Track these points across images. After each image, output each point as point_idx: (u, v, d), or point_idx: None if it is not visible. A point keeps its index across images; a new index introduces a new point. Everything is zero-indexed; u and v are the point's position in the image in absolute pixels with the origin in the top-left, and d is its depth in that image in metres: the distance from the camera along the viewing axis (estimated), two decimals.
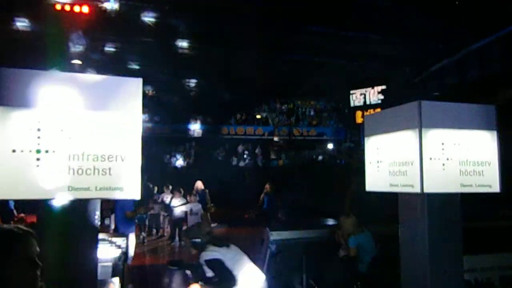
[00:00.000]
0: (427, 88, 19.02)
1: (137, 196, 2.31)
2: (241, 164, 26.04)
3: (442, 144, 2.99)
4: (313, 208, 13.21)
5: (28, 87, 2.11)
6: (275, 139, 21.95)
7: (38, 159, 2.09)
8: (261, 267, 5.63)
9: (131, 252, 5.94)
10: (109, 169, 2.23)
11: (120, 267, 4.56)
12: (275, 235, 5.42)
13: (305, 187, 15.38)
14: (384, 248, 4.78)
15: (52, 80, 2.19)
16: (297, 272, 5.49)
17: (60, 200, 2.18)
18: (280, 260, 5.44)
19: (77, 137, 2.17)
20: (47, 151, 2.11)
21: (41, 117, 2.11)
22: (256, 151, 24.31)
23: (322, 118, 25.42)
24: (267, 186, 9.17)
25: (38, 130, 2.08)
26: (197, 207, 10.34)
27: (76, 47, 12.57)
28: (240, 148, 25.22)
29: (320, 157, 22.94)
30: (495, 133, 3.09)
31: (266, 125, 24.82)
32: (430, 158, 2.95)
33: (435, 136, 2.98)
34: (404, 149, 3.11)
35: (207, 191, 10.98)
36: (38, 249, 1.42)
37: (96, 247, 2.33)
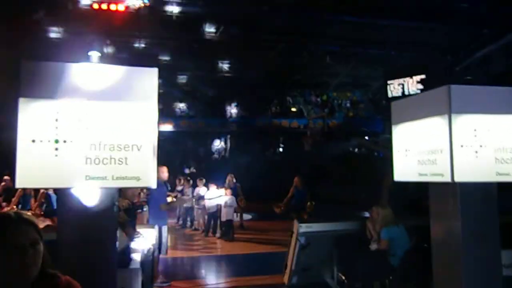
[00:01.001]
0: (470, 76, 18.11)
1: (154, 185, 2.33)
2: (276, 157, 26.01)
3: (475, 130, 2.81)
4: (348, 200, 13.00)
5: (47, 79, 2.18)
6: (310, 131, 21.72)
7: (56, 149, 2.15)
8: (290, 259, 5.59)
9: (165, 244, 6.04)
10: (126, 158, 2.26)
11: (150, 259, 4.65)
12: (304, 228, 5.34)
13: (341, 179, 15.16)
14: (419, 241, 4.59)
15: (69, 72, 2.24)
16: (327, 265, 5.40)
17: (77, 189, 2.23)
18: (310, 253, 5.37)
19: (94, 127, 2.22)
20: (65, 141, 2.17)
21: (59, 108, 2.18)
22: (292, 143, 24.19)
23: (359, 110, 24.91)
24: (296, 179, 9.07)
25: (56, 120, 2.15)
26: (232, 200, 10.43)
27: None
28: (274, 141, 25.22)
29: (356, 149, 22.52)
30: None
31: (301, 117, 24.63)
32: (462, 146, 2.79)
33: (466, 122, 2.81)
34: (434, 136, 2.96)
35: (238, 184, 11.04)
36: (37, 237, 1.40)
37: (114, 236, 2.38)
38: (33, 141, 2.13)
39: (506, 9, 15.61)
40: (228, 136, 25.44)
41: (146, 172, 2.30)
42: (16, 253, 1.34)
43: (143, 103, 2.33)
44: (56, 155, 2.15)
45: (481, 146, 2.79)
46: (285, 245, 5.87)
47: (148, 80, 2.36)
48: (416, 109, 3.25)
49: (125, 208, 4.24)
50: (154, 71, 2.38)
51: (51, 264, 1.49)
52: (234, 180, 11.13)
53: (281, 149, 26.28)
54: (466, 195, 2.82)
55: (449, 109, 2.81)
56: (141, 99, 2.32)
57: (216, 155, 26.39)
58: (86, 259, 2.22)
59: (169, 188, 10.69)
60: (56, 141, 2.15)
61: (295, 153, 22.25)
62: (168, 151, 25.28)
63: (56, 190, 2.37)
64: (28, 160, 2.12)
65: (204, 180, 11.57)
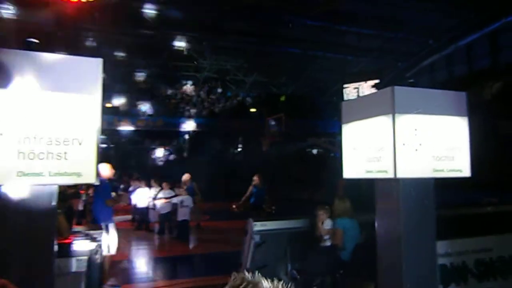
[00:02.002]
0: (418, 82, 19.08)
1: (93, 181, 2.24)
2: (235, 157, 26.02)
3: (415, 129, 2.95)
4: (305, 199, 13.22)
5: None
6: (267, 132, 21.89)
7: None
8: (245, 258, 5.60)
9: (114, 244, 5.87)
10: (65, 153, 2.15)
11: (97, 261, 4.48)
12: (259, 226, 5.36)
13: (298, 179, 15.39)
14: (369, 236, 4.75)
15: (5, 58, 2.08)
16: (282, 262, 5.45)
17: (8, 186, 2.09)
18: (265, 251, 5.40)
19: (30, 119, 2.08)
20: (1, 134, 2.01)
21: None
22: (250, 144, 24.27)
23: (316, 112, 25.39)
24: (255, 178, 9.09)
25: None
26: (188, 199, 10.28)
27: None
28: (233, 141, 25.20)
29: (314, 150, 22.94)
30: (466, 118, 3.07)
31: (260, 118, 24.76)
32: (403, 144, 2.91)
33: (408, 122, 2.94)
34: (379, 135, 3.07)
35: (194, 184, 10.92)
36: None
37: (52, 239, 2.23)
38: None
39: (449, 22, 16.69)
40: (187, 136, 25.15)
41: (87, 167, 2.20)
42: None
43: (85, 95, 2.22)
44: None
45: (420, 144, 2.93)
46: (241, 244, 5.87)
47: (91, 70, 2.26)
48: (364, 109, 3.35)
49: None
50: (98, 62, 2.28)
51: None
52: (190, 180, 10.99)
53: (239, 149, 26.31)
54: (407, 190, 2.96)
55: (393, 109, 2.93)
56: (83, 91, 2.22)
57: (173, 155, 26.03)
58: (21, 264, 2.08)
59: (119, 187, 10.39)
60: None
61: (253, 153, 22.36)
62: (125, 151, 24.68)
63: None
64: None
65: (158, 180, 11.37)
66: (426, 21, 16.65)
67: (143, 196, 11.49)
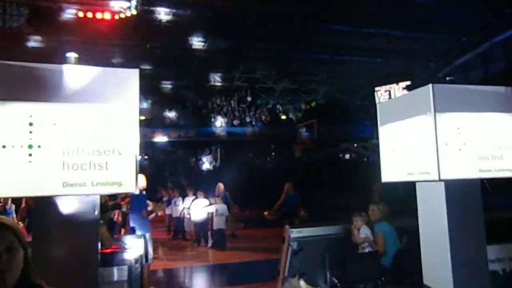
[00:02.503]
0: (452, 82, 18.55)
1: (135, 190, 2.27)
2: (267, 165, 25.97)
3: (458, 128, 2.82)
4: (340, 206, 12.99)
5: (21, 80, 2.09)
6: (299, 138, 21.76)
7: (30, 155, 2.06)
8: (283, 265, 5.54)
9: (150, 252, 5.95)
10: (106, 163, 2.19)
11: (138, 270, 4.55)
12: (295, 233, 5.29)
13: (332, 185, 15.17)
14: (410, 242, 4.60)
15: (46, 73, 2.16)
16: (320, 270, 5.35)
17: (55, 197, 2.14)
18: (303, 258, 5.32)
19: (72, 131, 2.13)
20: (39, 146, 2.07)
21: (33, 111, 2.08)
22: (282, 151, 24.19)
23: (347, 116, 25.04)
24: (286, 185, 9.05)
25: (30, 124, 2.06)
26: (223, 208, 10.31)
27: None
28: (266, 149, 25.19)
29: (347, 155, 22.58)
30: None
31: (291, 124, 24.67)
32: (446, 144, 2.79)
33: (450, 120, 2.82)
34: (419, 135, 2.96)
35: (227, 193, 10.95)
36: (14, 241, 1.32)
37: (96, 246, 2.28)
38: (4, 146, 2.03)
39: (482, 20, 16.12)
40: (219, 145, 25.38)
41: (127, 177, 2.24)
42: None
43: (123, 105, 2.26)
44: (30, 161, 2.05)
45: (464, 144, 2.80)
46: (278, 252, 5.82)
47: (128, 81, 2.30)
48: (401, 109, 3.25)
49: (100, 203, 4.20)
50: (135, 72, 2.33)
51: (37, 273, 1.40)
52: (223, 189, 11.05)
53: (272, 157, 26.28)
54: (452, 192, 2.83)
55: (433, 108, 2.82)
56: (121, 102, 2.26)
57: (207, 165, 26.27)
58: (66, 273, 2.12)
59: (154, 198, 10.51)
60: (30, 146, 2.05)
61: (286, 160, 22.26)
62: (159, 162, 25.16)
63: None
64: None
65: (193, 189, 11.47)
66: (457, 20, 16.17)
67: (178, 206, 11.62)
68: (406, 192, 3.46)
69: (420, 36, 17.84)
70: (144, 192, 6.14)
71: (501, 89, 3.03)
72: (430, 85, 2.88)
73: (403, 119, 3.17)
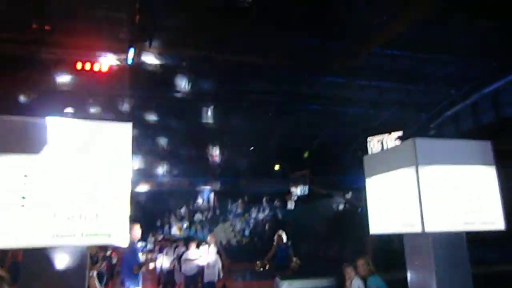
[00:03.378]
0: (443, 132, 18.94)
1: (125, 243, 2.29)
2: (260, 216, 25.73)
3: (441, 181, 2.93)
4: (333, 257, 12.78)
5: (16, 133, 2.17)
6: (292, 189, 21.74)
7: (22, 206, 2.10)
8: None
9: None
10: (96, 214, 2.24)
11: None
12: (286, 285, 5.24)
13: (324, 236, 15.01)
14: None
15: (41, 126, 2.24)
16: None
17: (44, 248, 2.16)
18: None
19: (64, 182, 2.20)
20: (32, 197, 2.12)
21: (28, 163, 2.15)
22: (275, 202, 24.08)
23: (340, 167, 25.20)
24: (277, 236, 8.97)
25: (25, 176, 2.12)
26: (214, 260, 10.11)
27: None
28: (258, 200, 25.06)
29: (340, 206, 22.49)
30: (493, 168, 3.02)
31: (284, 175, 24.71)
32: (429, 196, 2.88)
33: (432, 173, 2.92)
34: (403, 187, 3.05)
35: (219, 244, 10.80)
36: None
37: None
38: None
39: (470, 72, 16.85)
40: (212, 195, 25.23)
41: (118, 228, 2.27)
42: None
43: (116, 157, 2.34)
44: (22, 212, 2.10)
45: (447, 196, 2.89)
46: None
47: (122, 134, 2.40)
48: (386, 161, 3.37)
49: (91, 255, 4.15)
50: (128, 126, 2.43)
51: None
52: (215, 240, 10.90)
53: (264, 207, 26.08)
54: (438, 244, 2.87)
55: (416, 161, 2.94)
56: (114, 154, 2.34)
57: (199, 216, 25.97)
58: None
59: (147, 247, 10.38)
60: (23, 198, 2.10)
61: (278, 211, 22.11)
62: (151, 212, 24.83)
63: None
64: None
65: (184, 240, 11.31)
66: (447, 72, 16.84)
67: (168, 257, 11.39)
68: (400, 245, 3.49)
69: (411, 88, 18.44)
70: (137, 243, 6.07)
71: (479, 142, 3.18)
72: (412, 139, 3.02)
73: (388, 171, 3.27)
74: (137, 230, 5.93)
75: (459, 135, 17.82)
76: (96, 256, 4.30)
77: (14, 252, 7.20)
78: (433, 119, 19.91)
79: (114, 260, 9.90)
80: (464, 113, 18.98)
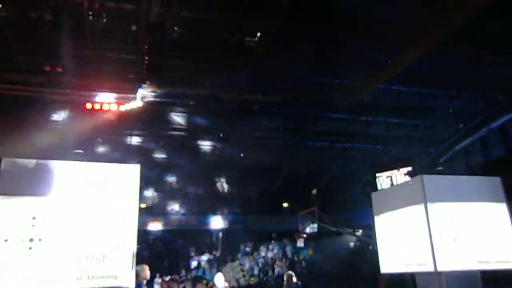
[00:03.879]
0: (452, 167, 18.76)
1: (131, 285, 2.26)
2: (270, 254, 25.18)
3: (450, 218, 2.88)
4: None
5: (26, 175, 2.19)
6: (301, 227, 21.38)
7: (30, 248, 2.10)
8: None
9: None
10: (103, 256, 2.23)
11: None
12: None
13: (335, 275, 14.61)
14: None
15: (49, 168, 2.27)
16: None
17: None
18: None
19: (72, 224, 2.20)
20: (40, 240, 2.12)
21: (37, 205, 2.16)
22: (284, 240, 23.62)
23: (350, 203, 24.85)
24: (286, 276, 8.77)
25: (33, 218, 2.13)
26: None
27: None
28: (267, 238, 24.61)
29: (351, 244, 22.00)
30: (504, 204, 2.97)
31: (293, 212, 24.40)
32: (440, 234, 2.83)
33: (442, 210, 2.89)
34: (413, 225, 3.01)
35: (227, 284, 10.54)
36: None
37: None
38: (6, 240, 2.07)
39: (477, 105, 16.89)
40: (220, 234, 24.86)
41: (124, 270, 2.26)
42: None
43: (123, 200, 2.36)
44: (29, 255, 2.09)
45: (458, 233, 2.84)
46: None
47: (129, 176, 2.42)
48: (394, 199, 3.33)
49: None
50: (136, 168, 2.46)
51: None
52: (226, 285, 10.65)
53: (273, 246, 25.57)
54: (452, 283, 2.78)
55: (424, 198, 2.90)
56: (121, 196, 2.36)
57: (208, 255, 25.48)
58: None
59: None
60: (31, 240, 2.11)
61: (288, 250, 21.67)
62: (157, 250, 24.46)
63: None
64: None
65: (191, 281, 11.06)
66: (453, 107, 16.86)
67: None
68: (414, 284, 3.37)
69: (418, 123, 18.44)
70: (145, 285, 5.91)
71: (490, 179, 3.14)
72: (420, 176, 3.00)
73: (396, 209, 3.23)
74: (146, 271, 5.80)
75: (469, 170, 17.64)
76: None
77: None
78: (442, 154, 19.76)
79: None
80: (473, 148, 18.85)
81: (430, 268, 2.69)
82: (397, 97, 16.12)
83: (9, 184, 2.15)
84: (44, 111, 12.72)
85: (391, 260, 3.21)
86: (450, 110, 16.67)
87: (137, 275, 5.67)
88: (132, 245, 2.25)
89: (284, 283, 8.79)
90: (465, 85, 14.98)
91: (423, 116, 17.64)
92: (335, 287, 13.53)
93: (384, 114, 17.43)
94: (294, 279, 8.77)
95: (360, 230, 20.81)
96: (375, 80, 13.97)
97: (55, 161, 2.30)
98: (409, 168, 19.87)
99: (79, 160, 2.41)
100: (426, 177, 2.89)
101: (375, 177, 20.67)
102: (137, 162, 2.55)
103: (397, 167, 20.35)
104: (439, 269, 2.66)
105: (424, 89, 15.67)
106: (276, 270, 22.51)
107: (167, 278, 13.38)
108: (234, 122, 17.26)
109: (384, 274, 5.77)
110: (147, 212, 22.55)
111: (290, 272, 8.96)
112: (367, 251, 18.24)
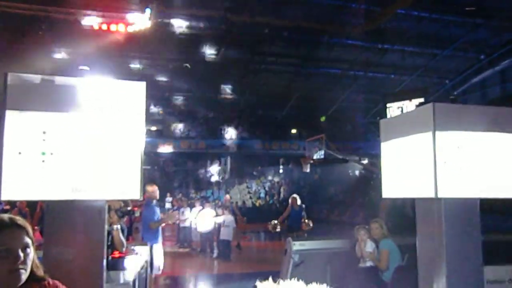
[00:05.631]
0: (467, 100, 18.42)
1: (138, 197, 2.36)
2: (276, 179, 25.98)
3: (458, 147, 2.86)
4: (347, 221, 12.94)
5: (35, 91, 2.22)
6: (308, 153, 21.77)
7: (43, 161, 2.17)
8: (284, 276, 5.57)
9: (159, 263, 6.01)
10: (112, 170, 2.30)
11: (143, 277, 4.64)
12: (297, 245, 5.34)
13: (339, 200, 15.14)
14: (413, 259, 4.61)
15: (59, 85, 2.28)
16: (321, 282, 5.37)
17: (65, 201, 2.25)
18: (304, 270, 5.35)
19: (81, 139, 2.25)
20: (51, 153, 2.19)
21: (46, 120, 2.20)
22: (290, 165, 24.23)
23: (358, 132, 25.01)
24: (291, 199, 9.10)
25: (44, 133, 2.18)
26: (230, 219, 10.38)
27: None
28: (275, 163, 25.24)
29: (356, 171, 22.50)
30: None
31: (301, 139, 24.71)
32: (445, 162, 2.83)
33: (450, 139, 2.86)
34: (419, 153, 3.00)
35: (234, 204, 11.04)
36: (28, 241, 1.43)
37: (102, 252, 2.38)
38: (20, 153, 2.15)
39: (501, 38, 16.06)
40: (228, 157, 25.49)
41: (132, 184, 2.34)
42: (7, 257, 1.36)
43: (130, 116, 2.37)
44: (43, 167, 2.17)
45: (464, 162, 2.84)
46: (278, 263, 5.87)
47: (136, 92, 2.42)
48: (403, 126, 3.30)
49: (117, 209, 4.32)
50: (142, 85, 2.44)
51: (41, 267, 1.52)
52: (231, 200, 11.15)
53: (280, 171, 26.27)
54: (450, 211, 2.85)
55: (433, 126, 2.87)
56: (128, 112, 2.37)
57: (216, 177, 26.39)
58: (73, 274, 2.20)
59: (165, 207, 10.57)
60: (43, 153, 2.17)
61: (294, 174, 22.27)
62: (169, 173, 25.36)
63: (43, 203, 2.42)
64: (14, 172, 2.13)
65: (200, 200, 11.57)
66: (474, 37, 16.13)
67: (185, 216, 11.72)
68: (413, 211, 3.49)
69: (437, 53, 17.79)
70: (154, 203, 6.21)
71: (502, 109, 3.07)
72: (431, 104, 2.93)
73: (404, 136, 3.22)
74: (155, 190, 6.10)
75: (484, 104, 17.32)
76: (120, 211, 4.48)
77: (42, 205, 7.53)
78: (458, 86, 19.30)
79: (136, 214, 10.22)
80: (491, 81, 18.29)
81: (431, 194, 2.73)
82: (417, 24, 15.38)
83: (17, 99, 2.18)
84: (52, 31, 12.47)
85: (394, 186, 3.27)
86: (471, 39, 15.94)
87: (147, 193, 5.95)
88: (139, 160, 2.31)
89: (289, 205, 9.14)
90: (494, 13, 14.16)
91: (442, 46, 16.94)
92: (338, 211, 14.08)
93: (401, 41, 16.77)
94: (299, 202, 9.10)
95: (366, 159, 21.15)
96: (395, 5, 13.24)
97: (61, 77, 2.29)
98: (421, 100, 19.58)
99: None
100: (437, 105, 2.82)
101: (385, 107, 20.51)
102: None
103: (409, 98, 20.03)
104: (440, 195, 2.69)
105: (447, 15, 14.87)
106: (282, 194, 23.37)
107: (178, 196, 13.97)
108: (245, 48, 16.82)
109: (385, 199, 5.91)
110: (157, 136, 23.00)
111: (294, 195, 9.26)
112: (371, 179, 18.67)
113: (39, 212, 8.27)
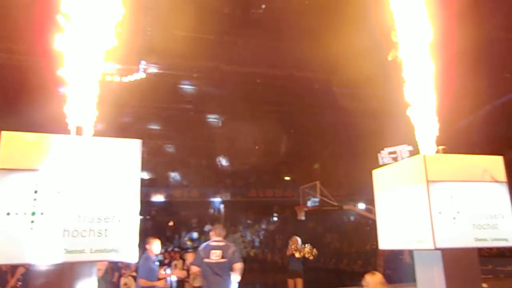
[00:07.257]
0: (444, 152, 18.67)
1: (134, 259, 2.30)
2: (271, 227, 25.58)
3: (451, 197, 2.88)
4: (344, 270, 12.62)
5: (28, 149, 2.20)
6: (302, 200, 21.59)
7: (32, 222, 2.11)
8: None
9: None
10: (105, 230, 2.25)
11: None
12: None
13: (335, 248, 14.85)
14: None
15: (51, 143, 2.27)
16: None
17: (54, 264, 2.17)
18: None
19: (74, 198, 2.21)
20: (42, 213, 2.13)
21: (39, 179, 2.17)
22: (285, 213, 23.93)
23: (351, 178, 24.97)
24: (291, 242, 8.93)
25: (35, 192, 2.14)
26: None
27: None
28: (269, 211, 24.94)
29: (352, 218, 22.26)
30: (504, 184, 2.97)
31: (294, 186, 24.57)
32: (440, 212, 2.84)
33: (443, 189, 2.89)
34: (414, 203, 3.01)
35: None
36: None
37: None
38: (8, 214, 2.09)
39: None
40: (222, 205, 25.17)
41: (126, 244, 2.28)
42: None
43: (125, 174, 2.36)
44: (32, 228, 2.10)
45: (458, 212, 2.85)
46: None
47: (130, 151, 2.42)
48: (396, 177, 3.33)
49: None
50: (137, 143, 2.44)
51: None
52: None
53: (275, 219, 25.92)
54: (450, 261, 2.83)
55: (425, 177, 2.90)
56: (123, 171, 2.36)
57: (209, 226, 25.88)
58: None
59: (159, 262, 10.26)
60: (33, 214, 2.11)
61: (289, 222, 21.95)
62: (160, 221, 24.84)
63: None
64: (1, 234, 2.06)
65: (193, 253, 11.25)
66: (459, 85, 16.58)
67: (177, 269, 11.35)
68: (412, 257, 3.42)
69: None
70: (154, 259, 5.88)
71: (490, 158, 3.13)
72: (422, 155, 2.99)
73: (397, 186, 3.24)
74: (158, 245, 5.80)
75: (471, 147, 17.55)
76: (103, 280, 4.29)
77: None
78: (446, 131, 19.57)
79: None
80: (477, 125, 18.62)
81: (430, 246, 2.71)
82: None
83: (9, 157, 2.16)
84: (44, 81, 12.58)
85: (391, 236, 3.24)
86: None
87: (148, 245, 5.68)
88: (134, 220, 2.27)
89: (289, 248, 8.90)
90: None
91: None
92: (335, 260, 13.79)
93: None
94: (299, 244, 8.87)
95: (364, 204, 21.01)
96: None
97: (55, 135, 2.29)
98: (410, 148, 19.75)
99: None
100: (428, 156, 2.88)
101: (378, 153, 20.63)
102: (139, 136, 2.54)
103: (401, 143, 20.24)
104: (438, 246, 2.68)
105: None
106: (277, 243, 22.91)
107: (170, 249, 13.63)
108: (237, 95, 17.08)
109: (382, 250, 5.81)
110: (150, 184, 22.74)
111: (296, 237, 9.04)
112: (367, 226, 18.46)
113: (21, 269, 7.87)
